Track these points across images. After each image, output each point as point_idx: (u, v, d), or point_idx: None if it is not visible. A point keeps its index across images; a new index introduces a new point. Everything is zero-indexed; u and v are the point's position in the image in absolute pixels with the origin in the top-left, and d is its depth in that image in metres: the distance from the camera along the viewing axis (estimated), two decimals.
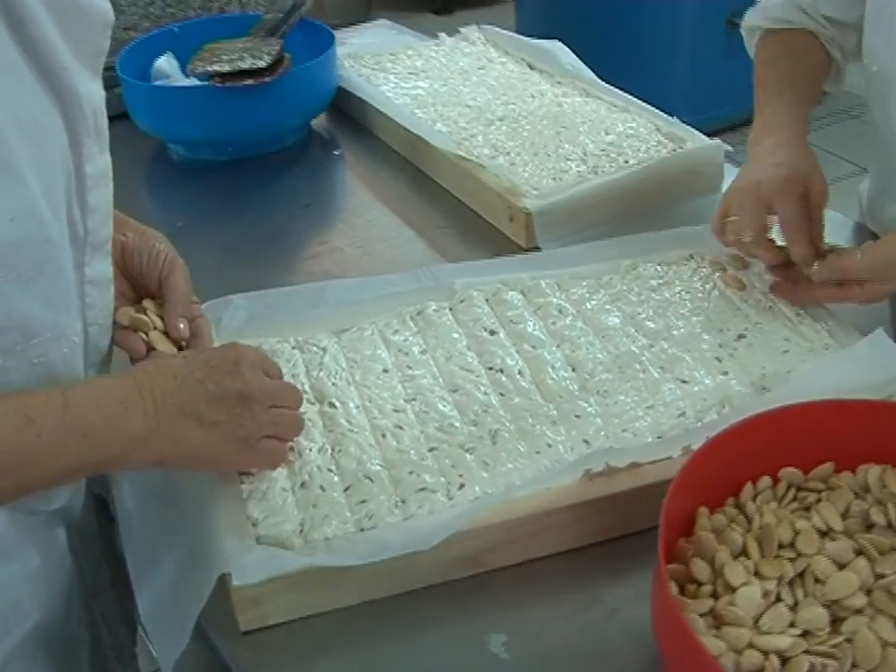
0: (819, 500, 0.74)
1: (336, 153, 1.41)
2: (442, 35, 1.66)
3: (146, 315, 0.82)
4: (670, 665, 0.64)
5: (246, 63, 1.26)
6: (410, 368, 0.90)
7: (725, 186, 1.23)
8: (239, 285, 1.09)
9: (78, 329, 0.72)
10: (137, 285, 0.84)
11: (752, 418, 0.73)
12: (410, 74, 1.52)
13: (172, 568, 0.75)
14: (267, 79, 1.26)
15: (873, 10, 1.02)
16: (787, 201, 0.94)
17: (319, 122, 1.48)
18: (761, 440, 0.74)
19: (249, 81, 1.26)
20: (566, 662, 0.71)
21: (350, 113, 1.48)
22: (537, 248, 1.14)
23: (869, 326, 0.91)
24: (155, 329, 0.82)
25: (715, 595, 0.67)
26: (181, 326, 0.81)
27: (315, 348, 0.93)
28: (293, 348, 0.93)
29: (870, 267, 0.88)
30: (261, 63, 1.26)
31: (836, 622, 0.65)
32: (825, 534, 0.71)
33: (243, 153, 1.37)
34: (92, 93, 0.69)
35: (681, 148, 1.24)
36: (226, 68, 1.26)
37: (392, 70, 1.54)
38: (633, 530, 0.78)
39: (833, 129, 3.16)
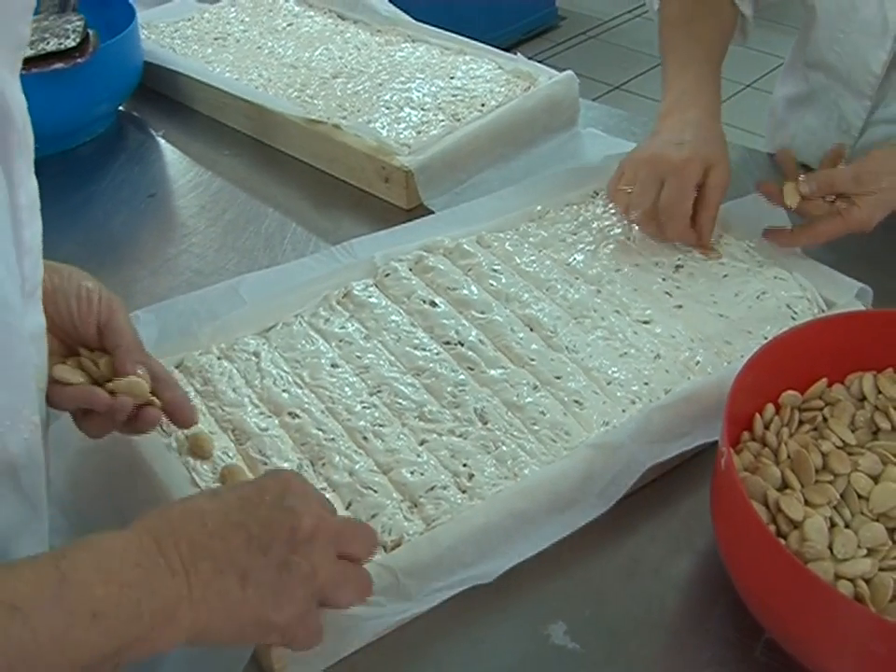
0: (824, 419, 0.74)
1: (158, 136, 1.26)
2: None
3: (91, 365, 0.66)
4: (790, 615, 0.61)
5: (52, 45, 1.09)
6: (359, 357, 0.81)
7: (580, 118, 1.24)
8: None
9: (36, 406, 0.56)
10: (68, 336, 0.67)
11: (753, 357, 0.71)
12: (216, 39, 1.38)
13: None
14: (80, 60, 1.09)
15: None
16: (677, 180, 0.89)
17: (124, 105, 1.32)
18: (760, 371, 0.72)
19: (59, 65, 1.08)
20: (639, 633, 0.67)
21: (160, 90, 1.33)
22: (419, 207, 1.08)
23: None
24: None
25: (780, 534, 0.65)
26: (141, 373, 0.65)
27: (245, 354, 0.82)
28: (219, 359, 0.82)
29: (855, 177, 0.86)
30: (69, 43, 1.09)
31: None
32: (840, 449, 0.71)
33: (52, 149, 1.19)
34: (20, 100, 0.52)
35: (534, 85, 1.21)
36: (28, 52, 1.08)
37: (194, 37, 1.39)
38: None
39: None
